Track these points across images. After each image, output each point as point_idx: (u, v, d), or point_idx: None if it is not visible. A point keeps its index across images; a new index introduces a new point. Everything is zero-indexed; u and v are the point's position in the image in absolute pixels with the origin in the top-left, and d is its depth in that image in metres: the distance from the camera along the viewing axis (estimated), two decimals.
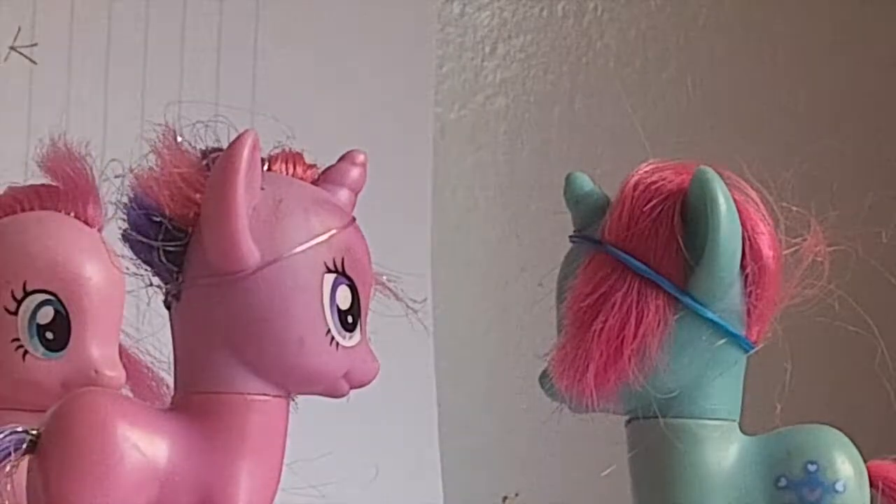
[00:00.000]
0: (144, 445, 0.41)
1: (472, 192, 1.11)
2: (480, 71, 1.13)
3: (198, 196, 0.42)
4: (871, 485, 0.49)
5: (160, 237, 0.42)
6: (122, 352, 0.53)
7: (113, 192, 0.44)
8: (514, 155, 1.13)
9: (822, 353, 0.96)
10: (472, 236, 1.10)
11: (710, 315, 0.47)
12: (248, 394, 0.42)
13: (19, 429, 0.42)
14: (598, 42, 1.15)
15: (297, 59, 1.00)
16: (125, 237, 0.43)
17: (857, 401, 0.93)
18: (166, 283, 0.43)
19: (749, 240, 0.47)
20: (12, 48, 0.93)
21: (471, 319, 1.08)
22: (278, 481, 0.43)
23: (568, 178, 0.52)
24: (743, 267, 0.47)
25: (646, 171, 0.48)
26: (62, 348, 0.51)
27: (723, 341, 0.47)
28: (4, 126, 0.91)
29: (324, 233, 0.42)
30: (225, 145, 0.43)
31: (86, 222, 0.53)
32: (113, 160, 0.55)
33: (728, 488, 0.48)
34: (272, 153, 0.44)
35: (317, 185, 0.44)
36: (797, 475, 0.48)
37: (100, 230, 0.54)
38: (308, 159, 0.45)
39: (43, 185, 0.54)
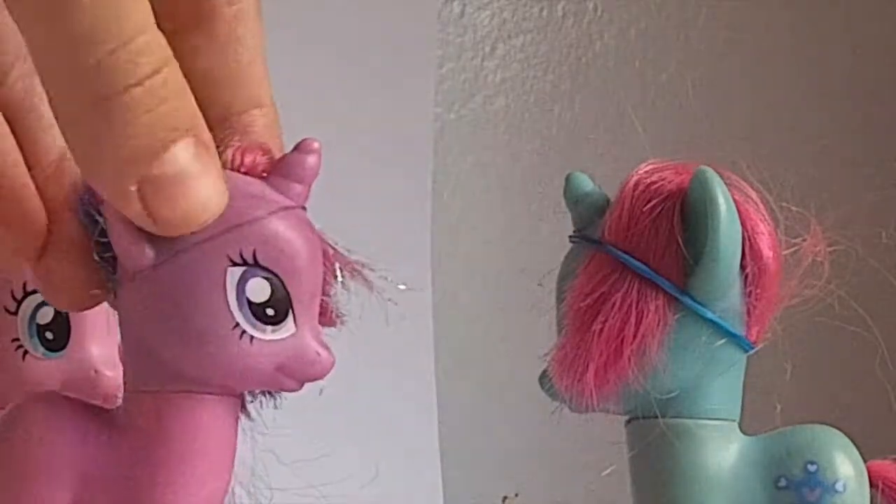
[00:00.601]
0: (69, 443, 0.41)
1: (472, 192, 1.11)
2: (480, 71, 1.13)
3: None
4: (871, 485, 0.49)
5: (97, 235, 0.42)
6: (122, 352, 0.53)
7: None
8: (514, 155, 1.13)
9: (822, 353, 0.96)
10: (472, 236, 1.10)
11: (709, 315, 0.47)
12: (170, 391, 0.41)
13: None
14: (597, 42, 1.15)
15: (296, 58, 1.00)
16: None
17: (857, 401, 0.93)
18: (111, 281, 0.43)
19: (749, 240, 0.47)
20: None
21: (471, 319, 1.08)
22: (225, 483, 0.42)
23: (568, 178, 0.52)
24: (743, 267, 0.47)
25: (646, 172, 0.48)
26: (62, 348, 0.51)
27: (723, 341, 0.47)
28: None
29: (227, 225, 0.41)
30: None
31: None
32: None
33: (728, 488, 0.48)
34: (235, 147, 0.44)
35: (267, 175, 0.43)
36: (797, 475, 0.48)
37: None
38: (266, 152, 0.44)
39: None
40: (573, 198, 0.51)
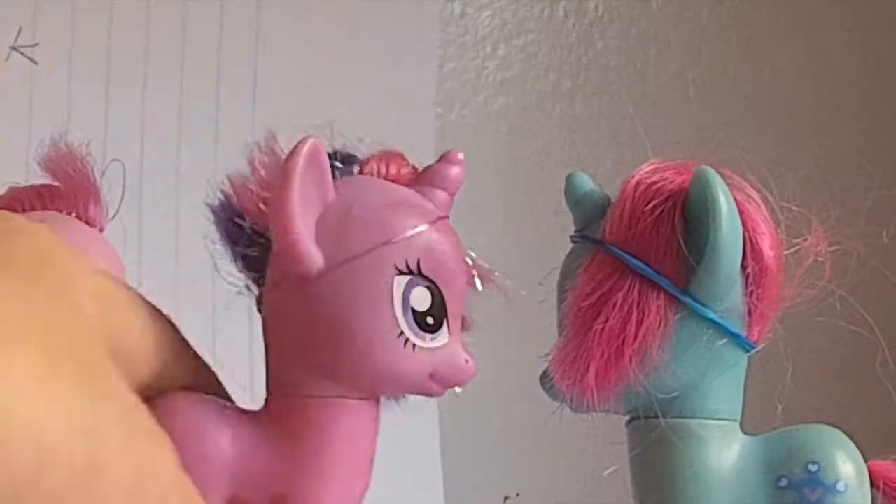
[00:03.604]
0: (225, 443, 0.41)
1: (472, 192, 1.11)
2: (481, 71, 1.13)
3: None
4: (872, 485, 0.49)
5: (241, 242, 0.43)
6: None
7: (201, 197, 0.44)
8: (514, 155, 1.13)
9: (824, 353, 0.96)
10: (473, 236, 1.10)
11: (711, 315, 0.47)
12: (327, 397, 0.42)
13: None
14: (598, 42, 1.15)
15: (298, 58, 1.00)
16: (221, 242, 0.44)
17: (857, 401, 0.93)
18: (255, 289, 0.44)
19: (750, 240, 0.47)
20: (13, 48, 0.93)
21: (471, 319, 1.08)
22: (366, 485, 0.43)
23: (569, 178, 0.52)
24: (744, 267, 0.47)
25: (647, 172, 0.48)
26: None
27: (724, 341, 0.47)
28: (5, 126, 0.91)
29: (396, 235, 0.42)
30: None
31: (87, 222, 0.53)
32: (114, 160, 0.55)
33: (729, 488, 0.48)
34: (367, 155, 0.45)
35: (412, 185, 0.44)
36: (798, 475, 0.48)
37: (101, 230, 0.54)
38: (409, 160, 0.45)
39: (44, 185, 0.54)
40: (574, 198, 0.51)
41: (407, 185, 0.44)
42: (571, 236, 0.50)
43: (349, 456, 0.42)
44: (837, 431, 0.49)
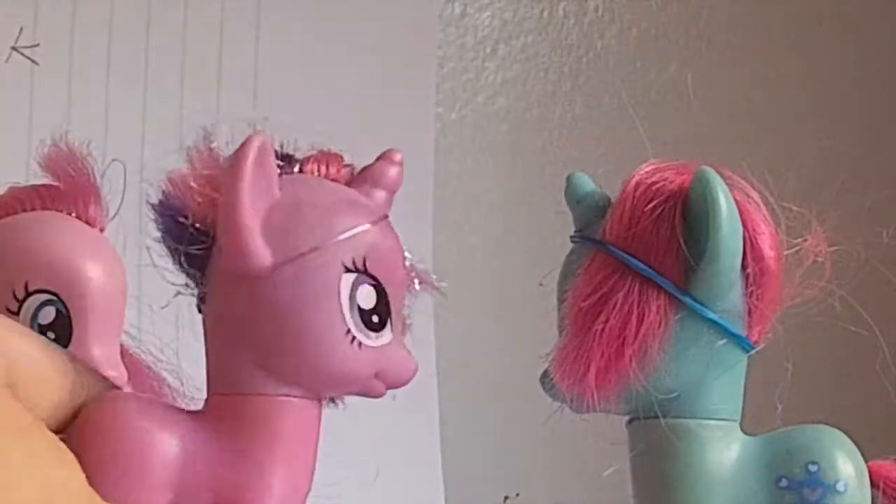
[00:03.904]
0: (164, 446, 0.41)
1: (472, 192, 1.11)
2: (481, 71, 1.13)
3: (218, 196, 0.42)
4: (872, 485, 0.49)
5: (185, 240, 0.42)
6: (124, 352, 0.53)
7: (143, 194, 0.44)
8: (514, 155, 1.13)
9: (824, 353, 0.96)
10: (473, 236, 1.10)
11: (711, 315, 0.47)
12: (271, 395, 0.42)
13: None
14: (598, 42, 1.15)
15: (298, 59, 1.00)
16: (159, 239, 0.44)
17: (858, 401, 0.93)
18: (196, 286, 0.43)
19: (750, 240, 0.47)
20: (14, 48, 0.93)
21: (471, 319, 1.08)
22: (309, 485, 0.43)
23: (569, 179, 0.52)
24: (744, 267, 0.47)
25: (647, 172, 0.48)
26: (63, 348, 0.50)
27: (724, 341, 0.47)
28: (6, 126, 0.91)
29: (342, 232, 0.42)
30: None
31: (87, 222, 0.53)
32: (114, 160, 0.55)
33: (729, 488, 0.48)
34: (306, 154, 0.44)
35: (352, 184, 0.44)
36: (798, 475, 0.48)
37: (101, 230, 0.54)
38: (346, 159, 0.45)
39: (44, 185, 0.54)
40: (574, 198, 0.51)
41: (346, 184, 0.44)
42: (571, 236, 0.50)
43: (293, 456, 0.42)
44: (837, 431, 0.49)
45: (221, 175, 0.41)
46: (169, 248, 0.43)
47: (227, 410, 0.42)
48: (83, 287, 0.51)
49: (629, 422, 0.49)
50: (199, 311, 0.43)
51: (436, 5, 1.08)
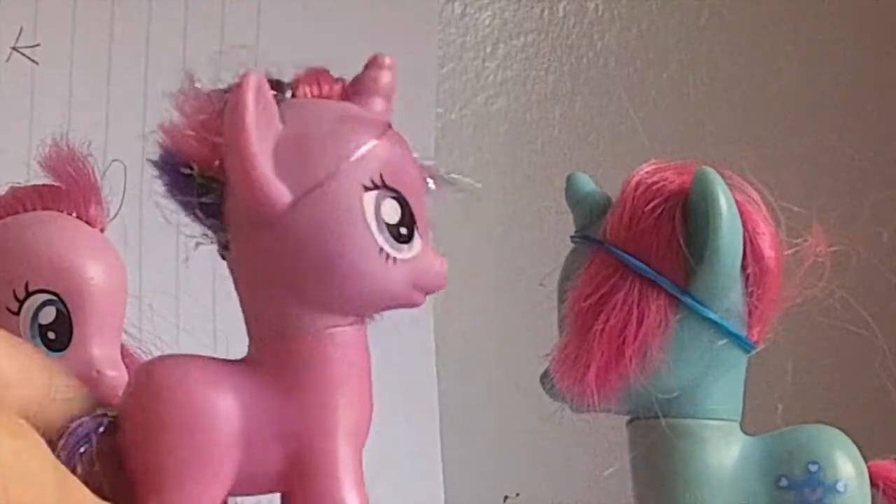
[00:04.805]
0: (225, 403, 0.41)
1: (473, 191, 1.11)
2: (481, 71, 1.13)
3: (221, 141, 0.41)
4: (872, 485, 0.49)
5: (195, 192, 0.41)
6: (124, 352, 0.53)
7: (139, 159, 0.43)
8: (515, 155, 1.13)
9: (824, 353, 0.96)
10: (473, 236, 1.10)
11: (711, 315, 0.47)
12: (318, 328, 0.41)
13: (98, 412, 0.42)
14: (598, 42, 1.15)
15: (298, 59, 1.00)
16: (168, 196, 0.43)
17: (858, 401, 0.93)
18: (215, 235, 0.42)
19: (750, 240, 0.47)
20: (14, 48, 0.93)
21: (472, 319, 1.08)
22: (371, 411, 0.42)
23: (569, 179, 0.52)
24: (744, 267, 0.47)
25: (647, 172, 0.48)
26: (64, 348, 0.51)
27: (724, 342, 0.47)
28: (6, 126, 0.91)
29: (353, 152, 0.41)
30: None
31: (88, 222, 0.53)
32: (115, 160, 0.55)
33: (729, 488, 0.48)
34: (295, 77, 0.44)
35: (346, 99, 0.43)
36: (798, 475, 0.48)
37: (102, 230, 0.54)
38: (333, 73, 0.44)
39: (45, 185, 0.54)
40: (574, 198, 0.51)
41: (341, 100, 0.43)
42: (572, 236, 0.50)
43: (351, 383, 0.41)
44: (837, 431, 0.49)
45: (219, 118, 0.41)
46: (179, 202, 0.42)
47: (275, 354, 0.41)
48: (83, 287, 0.51)
49: (629, 422, 0.49)
50: (223, 258, 0.42)
51: (436, 5, 1.08)
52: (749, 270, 0.47)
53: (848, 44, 1.17)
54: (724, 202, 0.46)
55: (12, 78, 0.93)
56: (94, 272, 0.51)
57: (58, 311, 0.50)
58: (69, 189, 0.53)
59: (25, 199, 0.53)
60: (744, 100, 1.16)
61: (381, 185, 0.41)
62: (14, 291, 0.50)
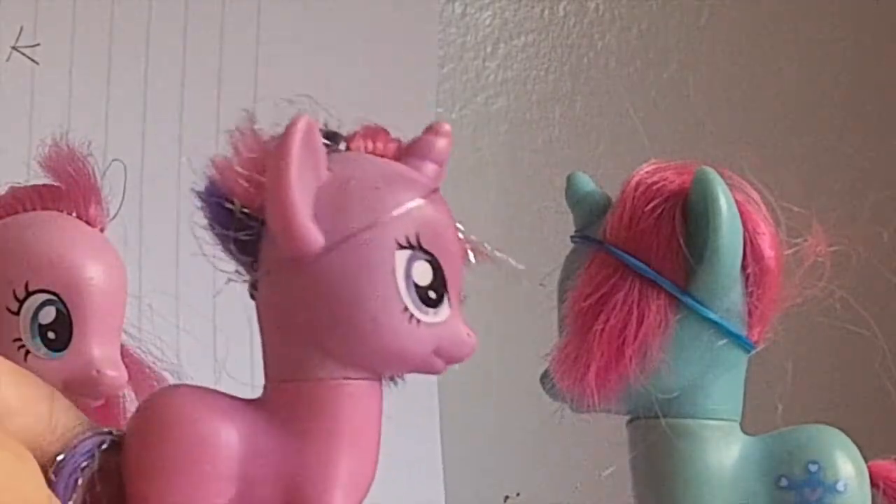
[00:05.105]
0: (228, 437, 0.41)
1: (472, 191, 1.11)
2: (482, 71, 1.13)
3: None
4: (873, 485, 0.49)
5: (233, 226, 0.42)
6: (124, 352, 0.53)
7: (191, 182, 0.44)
8: (515, 155, 1.13)
9: (824, 353, 0.96)
10: (473, 236, 1.10)
11: (711, 315, 0.47)
12: (332, 379, 0.41)
13: (104, 430, 0.42)
14: (599, 42, 1.15)
15: (298, 58, 1.00)
16: (208, 228, 0.43)
17: (858, 401, 0.93)
18: (247, 273, 0.43)
19: (750, 240, 0.47)
20: (14, 48, 0.93)
21: (472, 319, 1.08)
22: (375, 466, 0.42)
23: (569, 179, 0.52)
24: (744, 267, 0.47)
25: (647, 172, 0.48)
26: (64, 348, 0.51)
27: (724, 342, 0.47)
28: (6, 126, 0.91)
29: (393, 209, 0.41)
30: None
31: (88, 222, 0.53)
32: (115, 160, 0.55)
33: (729, 488, 0.48)
34: (352, 131, 0.44)
35: (400, 159, 0.44)
36: (798, 475, 0.48)
37: (102, 230, 0.54)
38: (392, 133, 0.44)
39: (45, 185, 0.54)
40: (574, 198, 0.51)
41: (394, 159, 0.44)
42: (572, 236, 0.50)
43: (356, 440, 0.42)
44: (837, 431, 0.49)
45: (267, 157, 0.41)
46: (217, 234, 0.43)
47: (287, 397, 0.41)
48: (83, 287, 0.51)
49: (629, 422, 0.49)
50: (252, 297, 0.43)
51: (436, 5, 1.08)
52: (749, 270, 0.47)
53: (848, 44, 1.17)
54: (724, 202, 0.46)
55: (12, 78, 0.93)
56: (94, 272, 0.51)
57: (58, 310, 0.50)
58: (69, 189, 0.53)
59: (25, 199, 0.53)
60: (744, 100, 1.15)
61: (417, 246, 0.41)
62: (14, 291, 0.50)
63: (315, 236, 0.40)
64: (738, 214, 0.47)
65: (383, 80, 1.03)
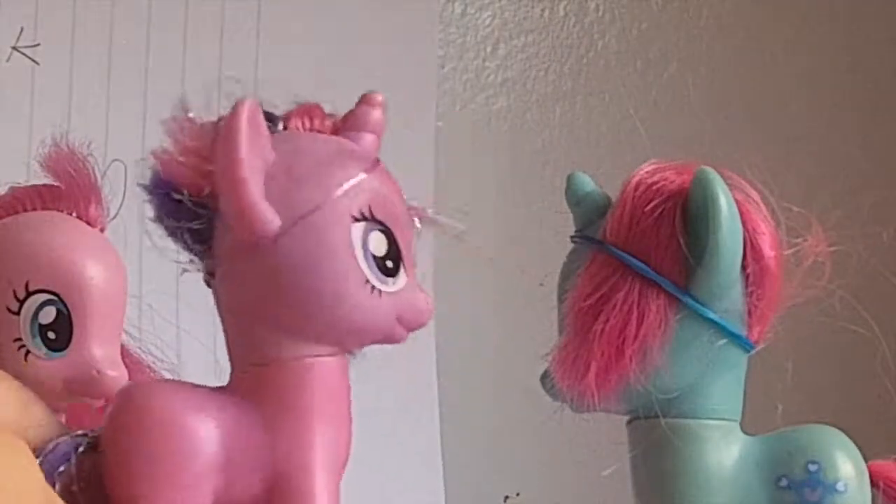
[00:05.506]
0: (207, 428, 0.41)
1: (473, 192, 1.11)
2: (482, 71, 1.13)
3: (213, 169, 0.41)
4: (873, 484, 0.49)
5: (183, 216, 0.42)
6: (124, 351, 0.53)
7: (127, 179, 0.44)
8: (515, 155, 1.13)
9: (824, 353, 0.96)
10: (473, 236, 1.10)
11: (711, 315, 0.47)
12: (300, 357, 0.41)
13: (78, 433, 0.42)
14: (599, 42, 1.15)
15: (298, 59, 1.00)
16: (156, 220, 0.43)
17: (858, 401, 0.93)
18: (201, 262, 0.43)
19: (750, 240, 0.47)
20: (14, 48, 0.93)
21: (472, 319, 1.08)
22: (349, 441, 0.43)
23: (569, 179, 0.52)
24: (744, 267, 0.47)
25: (647, 172, 0.48)
26: (64, 348, 0.51)
27: (724, 341, 0.47)
28: (7, 126, 0.91)
29: (343, 183, 0.41)
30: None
31: (88, 222, 0.53)
32: (115, 160, 0.55)
33: (729, 488, 0.48)
34: (287, 110, 0.44)
35: (337, 134, 0.44)
36: (798, 475, 0.48)
37: (102, 230, 0.54)
38: (326, 109, 0.44)
39: (45, 185, 0.54)
40: (574, 198, 0.51)
41: (332, 134, 0.44)
42: (572, 237, 0.50)
43: (330, 415, 0.42)
44: (837, 431, 0.49)
45: (211, 145, 0.41)
46: (168, 227, 0.43)
47: (257, 381, 0.42)
48: (84, 287, 0.51)
49: (629, 422, 0.49)
50: (208, 285, 0.43)
51: (436, 5, 1.08)
52: (749, 270, 0.47)
53: (848, 44, 1.17)
54: (724, 202, 0.46)
55: (12, 78, 0.93)
56: (95, 272, 0.51)
57: (58, 310, 0.50)
58: (69, 189, 0.53)
59: (25, 199, 0.53)
60: (744, 100, 1.16)
61: (370, 218, 0.41)
62: (14, 291, 0.50)
63: (270, 218, 0.40)
64: (738, 214, 0.47)
65: (383, 80, 1.03)
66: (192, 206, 0.42)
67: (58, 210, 0.53)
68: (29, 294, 0.50)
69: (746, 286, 0.48)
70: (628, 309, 0.46)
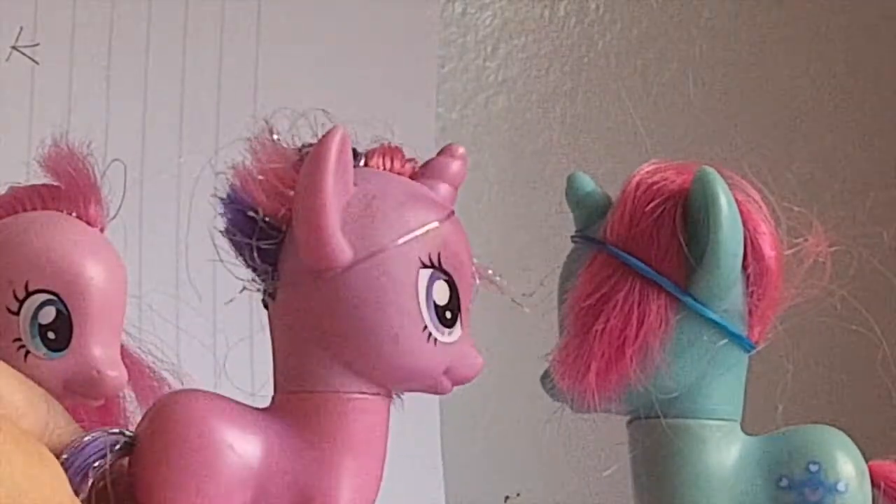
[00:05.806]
0: (242, 446, 0.41)
1: (472, 191, 1.11)
2: (482, 71, 1.13)
3: (291, 193, 0.41)
4: (873, 485, 0.49)
5: (255, 235, 0.42)
6: (124, 352, 0.53)
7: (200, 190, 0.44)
8: (515, 155, 1.13)
9: (824, 353, 0.96)
10: (474, 236, 1.10)
11: (711, 315, 0.47)
12: (345, 392, 0.41)
13: (114, 430, 0.42)
14: (599, 42, 1.15)
15: (299, 58, 1.00)
16: (225, 233, 0.43)
17: (858, 401, 0.93)
18: (263, 282, 0.43)
19: (751, 240, 0.47)
20: (14, 48, 0.93)
21: (472, 319, 1.08)
22: (380, 482, 0.43)
23: (569, 179, 0.52)
24: (744, 267, 0.47)
25: (647, 172, 0.48)
26: (64, 348, 0.51)
27: (724, 341, 0.47)
28: (6, 126, 0.91)
29: (418, 228, 0.42)
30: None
31: (88, 222, 0.53)
32: (115, 160, 0.55)
33: (729, 488, 0.48)
34: (369, 148, 0.44)
35: (415, 179, 0.44)
36: (799, 475, 0.48)
37: (102, 230, 0.54)
38: (407, 153, 0.44)
39: (44, 184, 0.54)
40: (575, 198, 0.51)
41: (411, 178, 0.44)
42: (572, 237, 0.50)
43: (363, 454, 0.42)
44: (837, 431, 0.49)
45: (293, 170, 0.41)
46: (237, 242, 0.43)
47: (299, 408, 0.42)
48: (83, 287, 0.51)
49: (629, 422, 0.49)
50: (265, 306, 0.43)
51: (436, 5, 1.08)
52: (749, 270, 0.47)
53: (848, 44, 1.17)
54: (725, 202, 0.46)
55: (12, 78, 0.93)
56: (95, 272, 0.51)
57: (58, 310, 0.50)
58: (69, 189, 0.53)
59: (25, 199, 0.53)
60: (744, 100, 1.15)
61: (437, 266, 0.42)
62: (14, 291, 0.50)
63: (343, 249, 0.40)
64: (738, 214, 0.47)
65: (383, 80, 1.03)
66: (265, 225, 0.42)
67: (57, 210, 0.53)
68: (28, 294, 0.50)
69: (747, 286, 0.48)
70: (629, 309, 0.46)
